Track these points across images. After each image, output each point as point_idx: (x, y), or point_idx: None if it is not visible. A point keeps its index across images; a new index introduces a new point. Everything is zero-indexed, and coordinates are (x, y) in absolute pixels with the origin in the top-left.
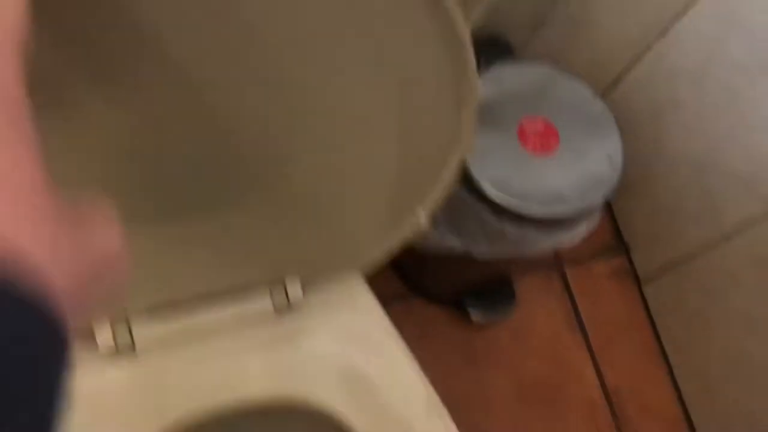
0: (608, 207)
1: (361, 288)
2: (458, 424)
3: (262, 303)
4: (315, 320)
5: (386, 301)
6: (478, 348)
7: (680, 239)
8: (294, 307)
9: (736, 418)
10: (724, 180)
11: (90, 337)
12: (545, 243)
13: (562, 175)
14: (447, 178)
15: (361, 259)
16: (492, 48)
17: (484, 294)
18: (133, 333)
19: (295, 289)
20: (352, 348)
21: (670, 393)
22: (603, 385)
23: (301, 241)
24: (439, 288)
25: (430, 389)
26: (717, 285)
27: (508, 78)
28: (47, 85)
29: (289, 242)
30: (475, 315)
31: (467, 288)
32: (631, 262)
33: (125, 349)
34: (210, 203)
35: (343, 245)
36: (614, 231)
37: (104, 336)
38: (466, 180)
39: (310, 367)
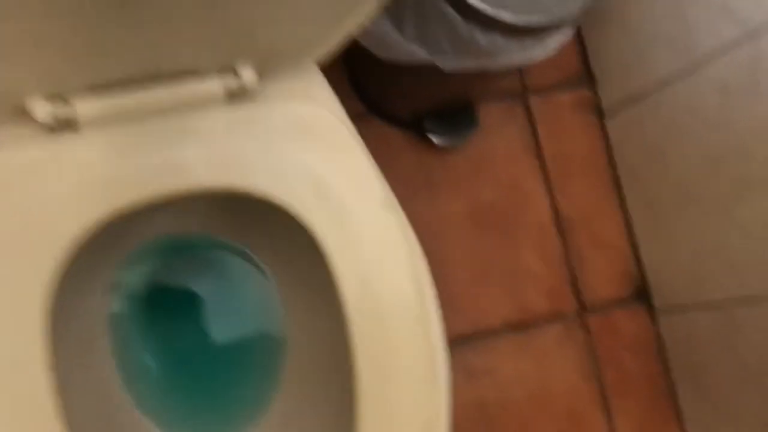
0: (579, 36)
1: (318, 79)
2: None
3: (212, 86)
4: (269, 111)
5: None
6: (436, 173)
7: (650, 68)
8: (247, 95)
9: (682, 250)
10: (701, 3)
11: (25, 113)
12: (514, 54)
13: None
14: None
15: (316, 43)
16: None
17: (445, 117)
18: (75, 108)
19: (247, 75)
20: (307, 141)
21: (621, 224)
22: (556, 214)
23: (252, 24)
24: (400, 106)
25: (386, 186)
26: (680, 118)
27: None
28: None
29: (238, 25)
30: (436, 138)
31: (429, 108)
32: (596, 94)
33: (66, 124)
34: None
35: (297, 28)
36: (583, 61)
37: (43, 110)
38: None
39: (261, 157)
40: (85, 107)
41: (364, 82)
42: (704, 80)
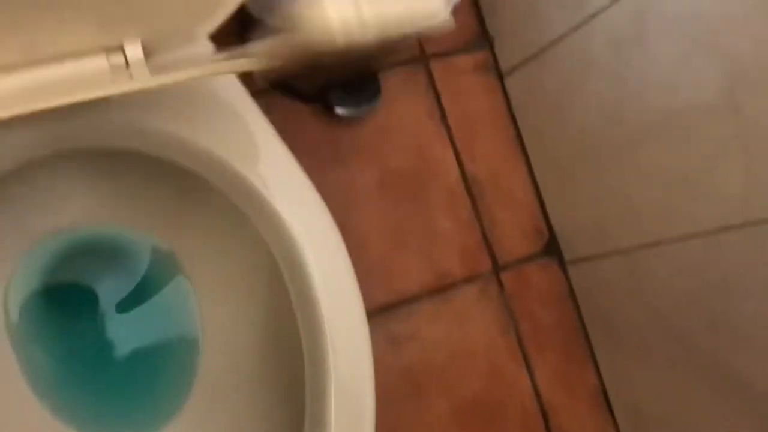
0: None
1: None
2: None
3: (97, 65)
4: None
5: None
6: (344, 144)
7: (543, 24)
8: (135, 73)
9: (585, 202)
10: None
11: None
12: None
13: None
14: None
15: (206, 14)
16: None
17: (349, 88)
18: None
19: (134, 52)
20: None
21: (527, 181)
22: (464, 176)
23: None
24: (303, 80)
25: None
26: (575, 73)
27: None
28: None
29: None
30: (341, 109)
31: (331, 79)
32: (494, 55)
33: None
34: None
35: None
36: (479, 24)
37: None
38: None
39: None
40: None
41: None
42: (595, 33)
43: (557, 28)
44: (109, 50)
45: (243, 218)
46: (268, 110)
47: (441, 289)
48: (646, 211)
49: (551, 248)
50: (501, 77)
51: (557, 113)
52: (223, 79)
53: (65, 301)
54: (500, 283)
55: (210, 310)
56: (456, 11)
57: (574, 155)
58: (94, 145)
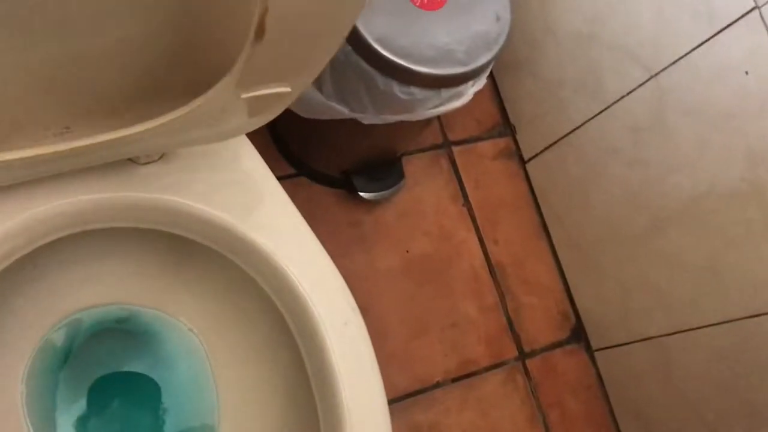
0: (495, 87)
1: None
2: None
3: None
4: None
5: None
6: (368, 228)
7: (563, 112)
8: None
9: (610, 287)
10: (608, 52)
11: None
12: (433, 103)
13: (450, 31)
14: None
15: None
16: None
17: (372, 172)
18: None
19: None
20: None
21: (552, 266)
22: (488, 260)
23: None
24: (327, 163)
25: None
26: (597, 158)
27: None
28: None
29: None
30: (365, 193)
31: (355, 163)
32: (516, 142)
33: None
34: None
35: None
36: (500, 111)
37: None
38: (353, 39)
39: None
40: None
41: (289, 142)
42: (614, 120)
43: (577, 116)
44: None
45: (268, 301)
46: (293, 194)
47: (465, 376)
48: (673, 297)
49: (578, 334)
50: (523, 163)
51: (579, 198)
52: (250, 161)
53: (84, 384)
54: (526, 371)
55: (229, 385)
56: (478, 100)
57: (597, 240)
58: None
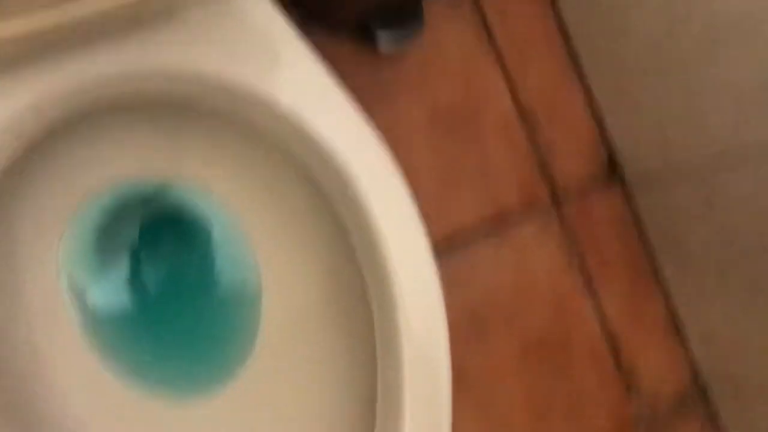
0: None
1: None
2: None
3: None
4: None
5: None
6: (390, 80)
7: None
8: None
9: (649, 117)
10: None
11: None
12: None
13: None
14: None
15: None
16: None
17: (390, 20)
18: None
19: None
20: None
21: (585, 103)
22: (518, 103)
23: None
24: (341, 10)
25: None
26: None
27: None
28: None
29: None
30: (383, 44)
31: (369, 6)
32: None
33: None
34: None
35: None
36: None
37: None
38: None
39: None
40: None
41: None
42: None
43: None
44: None
45: (299, 163)
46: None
47: (500, 223)
48: (717, 124)
49: (614, 172)
50: None
51: (616, 24)
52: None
53: (121, 255)
54: (561, 214)
55: (270, 258)
56: None
57: (636, 70)
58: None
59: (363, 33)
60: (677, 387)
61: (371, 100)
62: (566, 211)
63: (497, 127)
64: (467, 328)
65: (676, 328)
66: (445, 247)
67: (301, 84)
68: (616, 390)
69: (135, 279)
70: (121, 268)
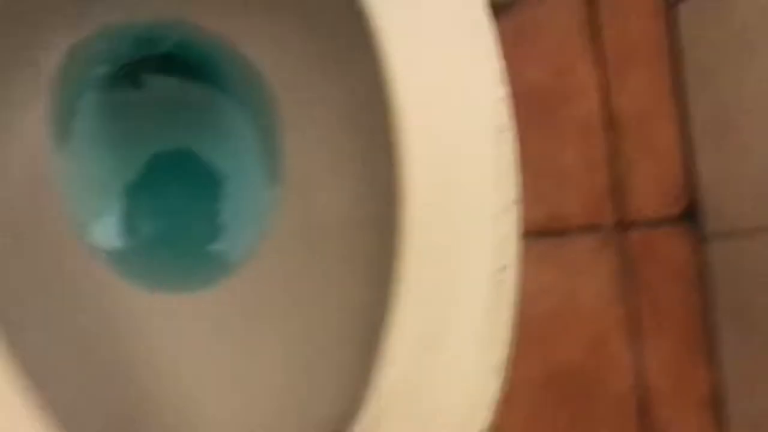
0: None
1: None
2: None
3: None
4: None
5: None
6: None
7: None
8: None
9: (752, 166)
10: None
11: None
12: None
13: None
14: None
15: None
16: None
17: None
18: None
19: None
20: None
21: (680, 130)
22: (607, 109)
23: None
24: None
25: None
26: None
27: None
28: None
29: None
30: None
31: None
32: None
33: None
34: None
35: None
36: None
37: None
38: None
39: None
40: None
41: None
42: None
43: None
44: None
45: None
46: None
47: (552, 232)
48: None
49: (692, 214)
50: (673, 1)
51: (740, 52)
52: None
53: (125, 103)
54: (623, 241)
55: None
56: None
57: (747, 106)
58: None
59: None
60: None
61: None
62: (629, 239)
63: (578, 126)
64: None
65: (718, 404)
66: None
67: None
68: None
69: (140, 132)
70: (124, 117)
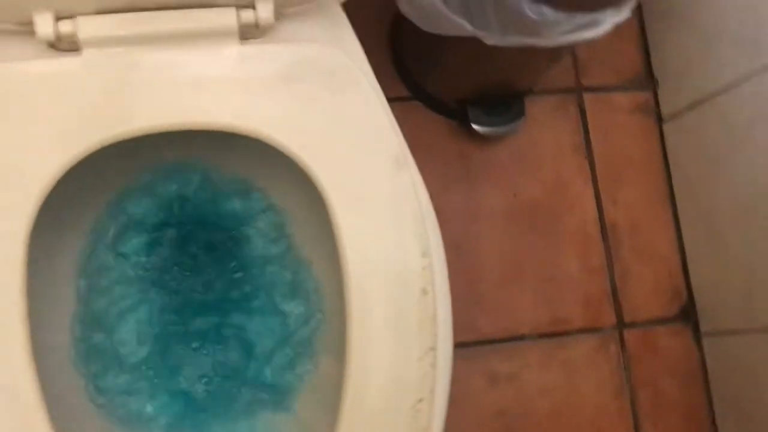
0: (642, 37)
1: (341, 22)
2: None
3: (227, 18)
4: (280, 51)
5: None
6: (477, 163)
7: (716, 68)
8: (261, 33)
9: (737, 270)
10: None
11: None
12: (563, 28)
13: None
14: None
15: None
16: None
17: (490, 106)
18: (78, 24)
19: (264, 10)
20: (317, 84)
21: (672, 237)
22: (602, 219)
23: None
24: (443, 87)
25: (402, 142)
26: (746, 122)
27: None
28: None
29: None
30: (480, 127)
31: (473, 91)
32: (656, 97)
33: (68, 42)
34: None
35: None
36: (644, 63)
37: (45, 25)
38: None
39: (266, 99)
40: (88, 25)
41: (406, 59)
42: None
43: (731, 75)
44: (241, 4)
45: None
46: (405, 117)
47: (554, 334)
48: None
49: (687, 314)
50: (660, 122)
51: (717, 167)
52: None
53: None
54: (622, 342)
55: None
56: (620, 47)
57: (730, 215)
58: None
59: (462, 114)
60: None
61: (456, 177)
62: (628, 338)
63: (576, 235)
64: (493, 427)
65: None
66: (492, 341)
67: None
68: None
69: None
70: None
